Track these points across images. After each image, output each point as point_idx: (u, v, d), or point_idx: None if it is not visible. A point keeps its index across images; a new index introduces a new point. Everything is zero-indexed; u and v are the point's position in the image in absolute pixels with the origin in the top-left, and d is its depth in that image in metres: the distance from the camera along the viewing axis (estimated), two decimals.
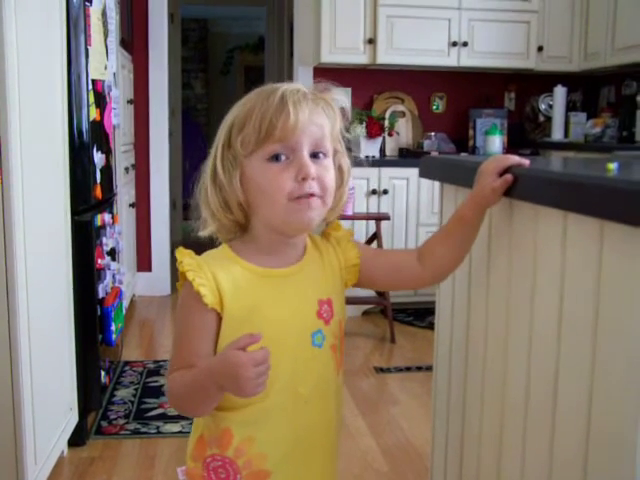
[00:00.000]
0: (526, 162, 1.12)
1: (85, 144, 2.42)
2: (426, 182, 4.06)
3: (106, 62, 2.77)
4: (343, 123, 1.13)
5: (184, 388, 1.05)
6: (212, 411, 1.09)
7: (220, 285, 1.06)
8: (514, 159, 1.12)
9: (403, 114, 4.65)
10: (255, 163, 1.06)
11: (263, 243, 1.11)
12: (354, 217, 3.82)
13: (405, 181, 4.15)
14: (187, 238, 6.34)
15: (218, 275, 1.06)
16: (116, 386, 3.02)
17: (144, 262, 4.71)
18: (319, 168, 1.06)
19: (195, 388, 1.03)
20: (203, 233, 1.13)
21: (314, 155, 1.06)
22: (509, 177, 1.10)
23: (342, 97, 1.15)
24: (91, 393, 2.54)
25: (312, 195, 1.05)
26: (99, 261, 2.52)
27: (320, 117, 1.07)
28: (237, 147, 1.06)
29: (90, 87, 2.45)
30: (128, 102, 4.18)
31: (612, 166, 1.03)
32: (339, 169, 1.14)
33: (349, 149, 1.17)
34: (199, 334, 1.07)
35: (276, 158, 1.04)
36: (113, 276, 2.78)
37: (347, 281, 1.20)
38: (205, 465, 1.13)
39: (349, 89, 4.66)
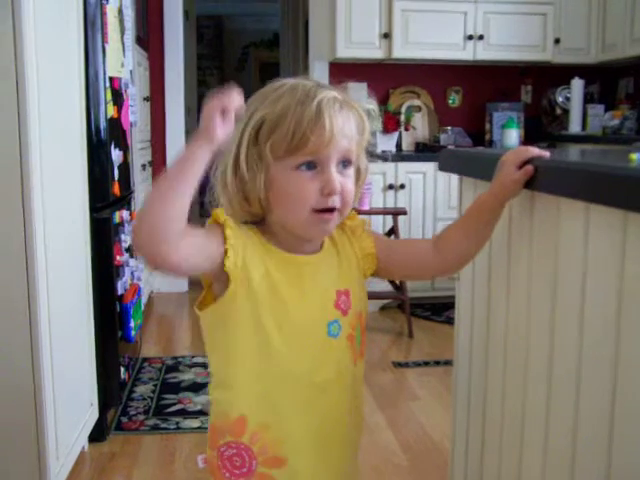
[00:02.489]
0: (547, 154, 1.12)
1: (103, 141, 2.43)
2: (443, 176, 4.04)
3: (123, 59, 2.78)
4: (370, 128, 1.13)
5: (160, 183, 0.98)
6: (183, 213, 0.97)
7: (247, 257, 1.06)
8: (535, 151, 1.12)
9: (419, 108, 4.64)
10: (282, 169, 1.05)
11: (280, 237, 1.12)
12: (371, 212, 3.82)
13: (422, 175, 4.14)
14: None
15: (248, 247, 1.06)
16: (135, 382, 3.03)
17: None
18: (343, 179, 1.06)
19: (176, 160, 0.99)
20: (225, 216, 1.09)
21: (341, 163, 1.07)
22: (530, 168, 1.09)
23: (371, 101, 1.15)
24: (111, 389, 2.56)
25: (334, 209, 1.06)
26: (118, 258, 2.54)
27: (351, 127, 1.07)
28: (266, 150, 1.04)
29: (107, 84, 2.46)
30: (144, 99, 4.19)
31: (636, 156, 1.02)
32: (357, 170, 1.14)
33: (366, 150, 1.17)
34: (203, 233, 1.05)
35: (305, 166, 1.04)
36: (132, 273, 2.79)
37: (365, 271, 1.20)
38: (220, 454, 1.14)
39: (365, 84, 4.64)
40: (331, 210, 1.06)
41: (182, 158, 0.98)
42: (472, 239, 1.18)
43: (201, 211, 6.94)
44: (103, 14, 2.44)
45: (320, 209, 1.05)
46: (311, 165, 1.04)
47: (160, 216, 0.94)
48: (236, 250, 1.04)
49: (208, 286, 1.12)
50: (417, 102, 4.66)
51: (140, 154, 3.93)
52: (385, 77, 4.67)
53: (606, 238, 0.94)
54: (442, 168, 1.57)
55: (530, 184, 1.10)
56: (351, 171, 1.09)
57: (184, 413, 2.70)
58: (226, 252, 1.03)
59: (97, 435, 2.46)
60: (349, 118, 1.06)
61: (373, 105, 1.16)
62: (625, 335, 0.90)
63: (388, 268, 1.22)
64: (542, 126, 4.82)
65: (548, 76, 4.75)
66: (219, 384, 1.16)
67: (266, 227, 1.13)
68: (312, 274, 1.12)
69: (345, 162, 1.07)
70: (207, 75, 9.07)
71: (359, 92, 1.18)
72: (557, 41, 4.40)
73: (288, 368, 1.10)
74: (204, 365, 3.19)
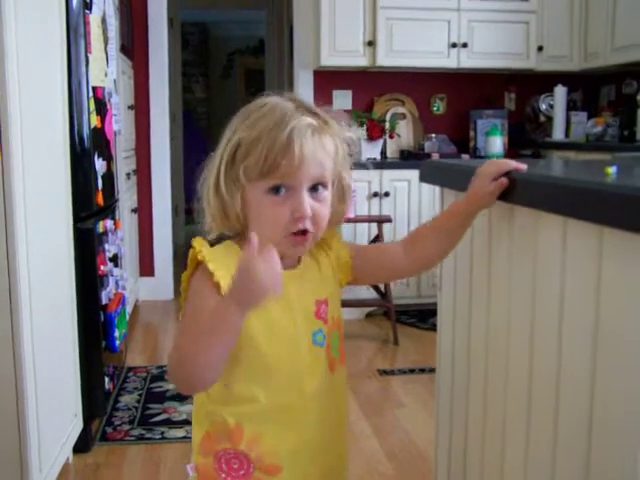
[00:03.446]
0: (523, 167, 1.14)
1: (86, 151, 2.43)
2: (427, 184, 4.05)
3: (106, 69, 2.78)
4: (350, 149, 1.15)
5: (198, 334, 1.02)
6: (220, 372, 1.05)
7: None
8: (511, 164, 1.14)
9: (404, 116, 4.66)
10: (255, 192, 1.08)
11: None
12: (356, 220, 3.83)
13: (406, 183, 4.16)
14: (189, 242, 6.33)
15: (233, 270, 1.06)
16: (120, 392, 3.02)
17: (147, 267, 4.72)
18: (315, 203, 1.08)
19: (213, 321, 1.01)
20: (212, 236, 1.15)
21: (313, 188, 1.08)
22: (504, 181, 1.12)
23: (352, 127, 1.16)
24: (95, 399, 2.55)
25: (307, 232, 1.08)
26: (102, 267, 2.53)
27: (325, 151, 1.08)
28: (240, 172, 1.07)
29: (91, 94, 2.45)
30: (129, 108, 4.18)
31: (611, 170, 1.03)
32: (340, 189, 1.16)
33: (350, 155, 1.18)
34: None
35: (276, 190, 1.06)
36: (116, 282, 2.78)
37: (341, 280, 1.23)
38: (217, 458, 1.15)
39: (349, 92, 4.67)
40: (304, 232, 1.08)
41: (221, 322, 1.00)
42: (442, 243, 1.22)
43: (187, 219, 6.94)
44: (86, 24, 2.44)
45: (292, 232, 1.07)
46: (282, 189, 1.06)
47: (200, 370, 1.03)
48: (224, 276, 1.06)
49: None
50: (401, 110, 4.68)
51: (125, 162, 3.92)
52: (369, 85, 4.69)
53: (583, 252, 0.95)
54: (423, 179, 1.58)
55: (509, 197, 1.11)
56: (326, 194, 1.10)
57: (169, 423, 2.70)
58: (218, 285, 1.06)
59: (81, 446, 2.44)
60: (322, 144, 1.08)
61: (352, 133, 1.16)
62: (601, 342, 0.92)
63: (362, 275, 1.25)
64: (526, 133, 4.86)
65: (531, 83, 4.78)
66: (214, 395, 1.16)
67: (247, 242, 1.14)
68: (294, 286, 1.13)
69: (317, 186, 1.09)
70: (192, 82, 9.05)
71: (352, 127, 1.19)
72: (540, 49, 4.44)
73: (279, 379, 1.12)
74: None
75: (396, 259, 1.23)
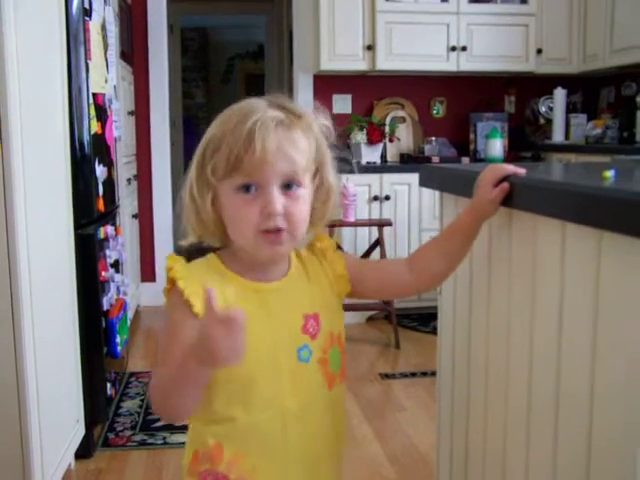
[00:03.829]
0: (522, 171, 1.13)
1: (87, 158, 2.43)
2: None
3: (106, 75, 2.79)
4: (328, 140, 1.11)
5: (168, 378, 1.01)
6: (194, 410, 1.06)
7: None
8: (510, 168, 1.13)
9: (403, 119, 4.66)
10: (226, 190, 1.05)
11: (244, 259, 1.11)
12: (356, 224, 3.83)
13: (407, 187, 4.16)
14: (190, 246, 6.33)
15: (208, 285, 1.03)
16: (122, 397, 3.02)
17: (148, 272, 4.72)
18: (288, 201, 1.04)
19: (178, 372, 0.99)
20: (185, 242, 1.12)
21: (287, 186, 1.05)
22: (505, 186, 1.10)
23: (324, 115, 1.11)
24: (97, 405, 2.55)
25: (280, 230, 1.04)
26: (103, 273, 2.53)
27: (294, 146, 1.04)
28: (207, 171, 1.05)
29: (91, 101, 2.46)
30: (129, 113, 4.19)
31: (609, 174, 1.03)
32: (323, 185, 1.12)
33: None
34: (188, 343, 1.04)
35: (245, 189, 1.03)
36: (117, 288, 2.79)
37: (340, 292, 1.19)
38: (201, 479, 1.12)
39: (349, 96, 4.67)
40: (277, 231, 1.04)
41: (185, 374, 0.98)
42: (447, 259, 1.18)
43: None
44: (86, 31, 2.45)
45: (264, 229, 1.04)
46: (250, 187, 1.03)
47: (175, 411, 1.06)
48: (195, 293, 1.04)
49: None
50: (401, 113, 4.68)
51: (125, 168, 3.93)
52: (369, 89, 4.69)
53: (582, 256, 0.95)
54: (423, 184, 1.59)
55: (508, 202, 1.11)
56: (301, 192, 1.06)
57: (171, 428, 2.70)
58: (189, 303, 1.04)
59: (84, 452, 2.45)
60: (292, 139, 1.04)
61: (326, 121, 1.11)
62: (600, 346, 0.92)
63: (361, 289, 1.21)
64: (526, 136, 4.86)
65: (531, 86, 4.78)
66: (197, 414, 1.13)
67: (231, 253, 1.12)
68: (277, 300, 1.11)
69: (290, 183, 1.05)
70: (192, 87, 9.06)
71: (325, 115, 1.16)
72: (539, 51, 4.44)
73: (259, 396, 1.08)
74: None
75: (400, 275, 1.19)
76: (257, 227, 1.04)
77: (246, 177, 1.02)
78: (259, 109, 1.04)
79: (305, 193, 1.08)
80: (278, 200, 1.03)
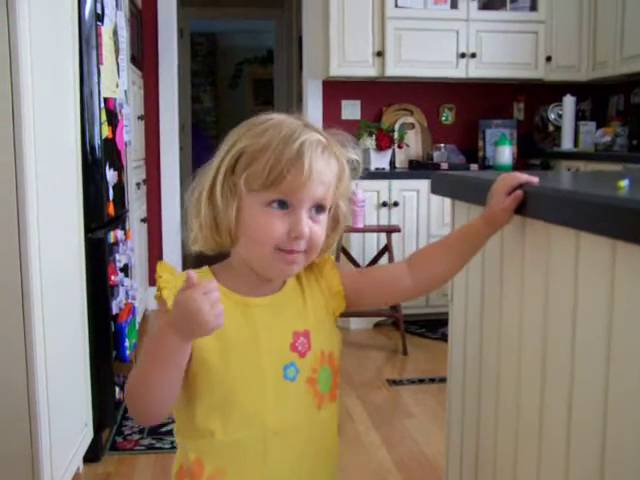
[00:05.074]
0: (535, 179, 1.13)
1: (98, 162, 2.44)
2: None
3: (117, 80, 2.80)
4: (351, 177, 1.11)
5: (145, 368, 1.00)
6: (170, 406, 1.03)
7: None
8: (523, 177, 1.12)
9: (412, 126, 4.66)
10: (254, 202, 1.04)
11: (241, 272, 1.10)
12: (365, 229, 3.83)
13: (415, 193, 4.16)
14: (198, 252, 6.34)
15: None
16: None
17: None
18: (313, 224, 1.05)
19: (155, 353, 0.98)
20: (195, 248, 1.11)
21: (314, 209, 1.05)
22: (519, 194, 1.10)
23: (355, 151, 1.12)
24: (106, 409, 2.55)
25: (299, 252, 1.05)
26: (112, 278, 2.54)
27: (329, 174, 1.05)
28: (240, 181, 1.04)
29: (102, 105, 2.47)
30: (138, 118, 4.21)
31: (623, 184, 1.03)
32: (335, 218, 1.13)
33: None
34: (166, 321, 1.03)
35: (278, 205, 1.03)
36: (126, 292, 2.79)
37: (334, 310, 1.17)
38: None
39: (358, 102, 4.68)
40: (297, 252, 1.04)
41: (159, 351, 0.97)
42: (450, 262, 1.18)
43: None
44: (98, 35, 2.46)
45: (284, 249, 1.04)
46: (283, 204, 1.03)
47: (149, 406, 1.02)
48: None
49: None
50: (410, 119, 4.68)
51: (135, 172, 3.94)
52: (378, 95, 4.70)
53: (596, 266, 0.95)
54: (434, 191, 1.58)
55: (521, 210, 1.11)
56: (323, 217, 1.07)
57: None
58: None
59: (92, 455, 2.45)
60: (329, 164, 1.05)
61: (357, 156, 1.12)
62: (614, 355, 0.92)
63: (359, 302, 1.19)
64: (535, 143, 4.86)
65: (540, 93, 4.78)
66: (179, 427, 1.13)
67: (227, 267, 1.12)
68: (265, 315, 1.09)
69: (318, 208, 1.06)
70: (201, 92, 9.09)
71: (356, 151, 1.16)
72: (549, 59, 4.44)
73: (239, 411, 1.07)
74: None
75: (399, 279, 1.18)
76: (278, 244, 1.03)
77: (283, 194, 1.02)
78: (302, 129, 1.04)
79: (325, 219, 1.08)
80: (307, 223, 1.04)
